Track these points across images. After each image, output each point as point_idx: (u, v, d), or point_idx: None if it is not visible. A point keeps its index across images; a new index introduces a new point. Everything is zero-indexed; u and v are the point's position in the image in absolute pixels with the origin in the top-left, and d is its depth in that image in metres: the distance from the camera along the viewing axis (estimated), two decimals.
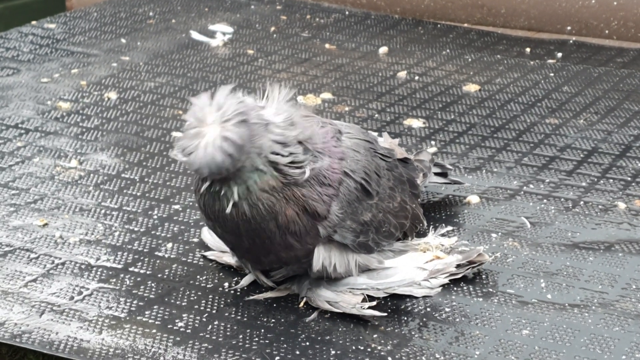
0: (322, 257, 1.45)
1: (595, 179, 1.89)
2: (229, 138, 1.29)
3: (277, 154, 1.35)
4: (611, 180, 1.89)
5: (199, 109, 1.31)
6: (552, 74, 2.55)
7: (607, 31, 2.94)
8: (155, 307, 1.48)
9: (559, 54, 2.73)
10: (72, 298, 1.50)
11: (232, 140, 1.29)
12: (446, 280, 1.52)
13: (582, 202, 1.80)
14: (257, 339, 1.40)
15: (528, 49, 2.79)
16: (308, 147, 1.39)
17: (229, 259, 1.59)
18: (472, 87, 2.45)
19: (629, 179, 1.89)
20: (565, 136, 2.12)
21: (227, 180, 1.33)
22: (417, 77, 2.54)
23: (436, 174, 1.78)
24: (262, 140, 1.34)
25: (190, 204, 1.82)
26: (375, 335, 1.40)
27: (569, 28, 2.99)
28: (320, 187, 1.40)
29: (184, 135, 1.31)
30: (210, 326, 1.43)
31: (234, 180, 1.33)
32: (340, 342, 1.39)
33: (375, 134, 1.72)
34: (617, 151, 2.03)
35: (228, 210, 1.35)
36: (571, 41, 2.87)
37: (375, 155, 1.53)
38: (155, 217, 1.77)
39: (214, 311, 1.47)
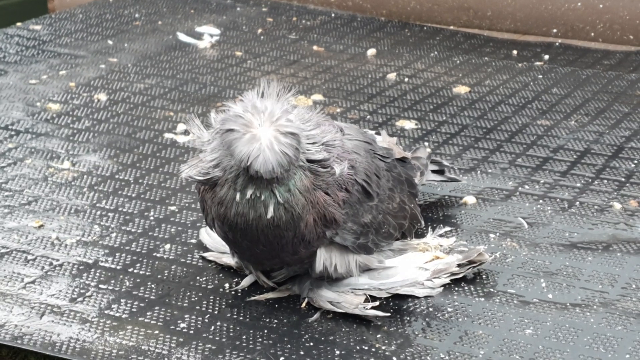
0: (323, 258, 1.45)
1: (590, 180, 1.91)
2: (291, 132, 1.31)
3: (311, 150, 1.37)
4: (605, 181, 1.90)
5: (239, 115, 1.32)
6: (540, 76, 2.56)
7: (592, 34, 2.96)
8: (156, 308, 1.47)
9: (546, 56, 2.74)
10: (72, 299, 1.49)
11: (294, 134, 1.31)
12: (447, 280, 1.52)
13: (577, 203, 1.81)
14: (260, 339, 1.39)
15: (515, 51, 2.80)
16: (330, 150, 1.40)
17: (228, 259, 1.58)
18: (462, 89, 2.45)
19: (623, 179, 1.91)
20: (557, 137, 2.13)
21: (270, 184, 1.33)
22: (406, 79, 2.54)
23: (433, 171, 1.79)
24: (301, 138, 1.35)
25: (187, 205, 1.81)
26: (378, 336, 1.40)
27: (554, 30, 3.00)
28: (339, 191, 1.41)
29: (235, 143, 1.30)
30: (212, 327, 1.43)
31: (278, 182, 1.33)
32: (344, 342, 1.39)
33: (373, 131, 1.71)
34: (609, 152, 2.04)
35: (270, 214, 1.34)
36: (557, 44, 2.89)
37: (374, 157, 1.54)
38: (151, 218, 1.76)
39: (215, 312, 1.46)
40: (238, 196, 1.35)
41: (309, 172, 1.37)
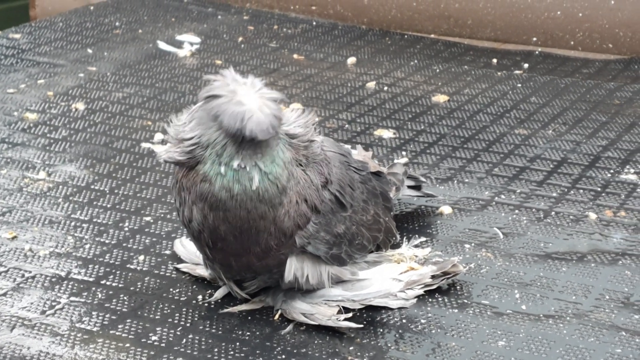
0: (294, 268, 1.45)
1: (566, 190, 1.91)
2: (275, 98, 1.35)
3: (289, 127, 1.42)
4: (581, 191, 1.90)
5: (225, 84, 1.35)
6: (519, 85, 2.56)
7: (572, 42, 2.97)
8: (128, 320, 1.46)
9: (526, 65, 2.75)
10: (43, 312, 1.48)
11: (277, 100, 1.35)
12: (421, 292, 1.52)
13: (553, 213, 1.81)
14: (232, 352, 1.39)
15: (495, 60, 2.80)
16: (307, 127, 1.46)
17: (202, 271, 1.57)
18: (441, 98, 2.45)
19: (599, 189, 1.91)
20: (535, 147, 2.13)
21: (255, 155, 1.34)
22: (386, 88, 2.54)
23: (409, 186, 1.78)
24: None
25: (162, 215, 1.80)
26: (351, 348, 1.40)
27: (534, 39, 3.01)
28: (318, 175, 1.43)
29: (224, 107, 1.32)
30: (184, 340, 1.42)
31: (262, 153, 1.35)
32: (317, 354, 1.38)
33: (349, 146, 1.71)
34: (586, 162, 2.04)
35: (255, 185, 1.35)
36: (537, 52, 2.89)
37: (349, 168, 1.53)
38: (126, 229, 1.75)
39: (188, 324, 1.46)
40: (223, 169, 1.35)
41: (289, 145, 1.40)
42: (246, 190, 1.35)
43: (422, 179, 1.83)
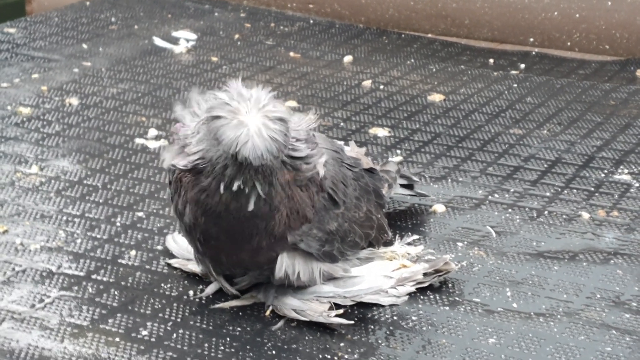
0: (285, 265, 1.44)
1: (559, 189, 1.90)
2: (279, 117, 1.30)
3: (295, 148, 1.37)
4: (575, 191, 1.90)
5: (225, 103, 1.31)
6: (515, 85, 2.56)
7: (569, 43, 2.97)
8: (118, 315, 1.46)
9: (522, 65, 2.74)
10: (33, 306, 1.48)
11: (283, 119, 1.31)
12: (413, 289, 1.51)
13: (546, 212, 1.80)
14: (222, 347, 1.38)
15: (491, 60, 2.80)
16: (315, 142, 1.42)
17: (194, 266, 1.57)
18: (436, 97, 2.45)
19: (592, 189, 1.90)
20: (529, 146, 2.13)
21: (256, 175, 1.31)
22: (382, 86, 2.54)
23: (402, 185, 1.78)
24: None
25: (154, 211, 1.80)
26: (342, 344, 1.39)
27: (531, 40, 3.01)
28: (313, 186, 1.41)
29: (223, 129, 1.29)
30: (174, 335, 1.41)
31: (263, 174, 1.32)
32: (307, 350, 1.38)
33: (342, 142, 1.71)
34: (580, 162, 2.04)
35: (251, 207, 1.33)
36: (534, 53, 2.89)
37: (342, 165, 1.53)
38: (118, 224, 1.75)
39: (178, 320, 1.45)
40: (222, 188, 1.33)
41: (291, 167, 1.37)
42: (242, 208, 1.35)
43: (415, 178, 1.82)
